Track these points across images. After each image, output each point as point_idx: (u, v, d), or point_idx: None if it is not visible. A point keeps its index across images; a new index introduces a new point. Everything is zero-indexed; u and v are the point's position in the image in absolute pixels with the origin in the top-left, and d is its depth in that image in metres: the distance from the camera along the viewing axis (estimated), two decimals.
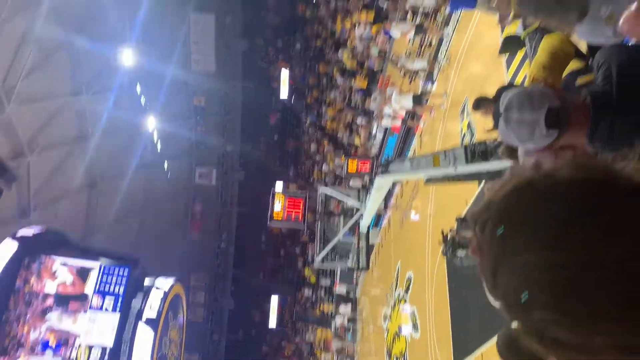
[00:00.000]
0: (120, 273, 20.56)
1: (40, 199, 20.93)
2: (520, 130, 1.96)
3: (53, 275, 20.71)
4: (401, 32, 15.21)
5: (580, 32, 3.03)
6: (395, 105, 15.50)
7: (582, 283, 0.66)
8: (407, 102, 15.03)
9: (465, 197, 10.41)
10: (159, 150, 30.57)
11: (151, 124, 28.63)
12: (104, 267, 20.65)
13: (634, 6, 2.37)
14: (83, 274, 20.77)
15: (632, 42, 3.59)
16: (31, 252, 20.53)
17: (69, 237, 21.55)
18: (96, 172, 25.01)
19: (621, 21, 2.46)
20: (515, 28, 8.49)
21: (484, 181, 8.50)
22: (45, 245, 20.79)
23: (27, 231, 20.39)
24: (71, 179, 23.33)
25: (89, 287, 20.54)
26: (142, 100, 27.81)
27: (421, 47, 15.24)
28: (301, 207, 12.91)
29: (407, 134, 16.92)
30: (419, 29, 14.34)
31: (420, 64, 14.96)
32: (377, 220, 20.13)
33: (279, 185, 29.85)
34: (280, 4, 33.02)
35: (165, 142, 30.76)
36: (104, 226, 25.36)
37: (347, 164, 12.42)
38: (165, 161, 31.73)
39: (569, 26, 3.00)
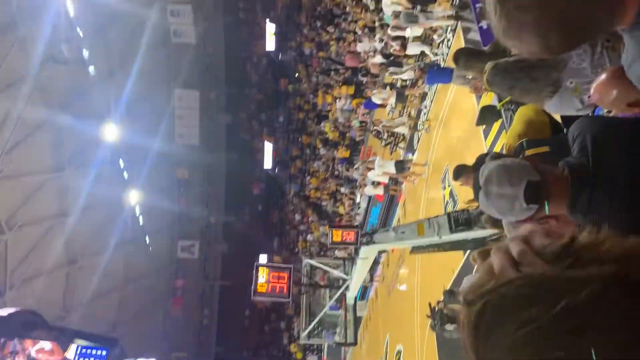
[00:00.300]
0: (98, 354, 19.65)
1: (17, 277, 20.29)
2: (500, 204, 1.94)
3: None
4: (382, 100, 15.59)
5: (550, 105, 3.09)
6: (378, 170, 15.66)
7: None
8: (390, 168, 15.20)
9: (452, 266, 10.31)
10: (141, 224, 30.20)
11: (133, 198, 28.46)
12: (81, 349, 19.75)
13: (603, 76, 2.43)
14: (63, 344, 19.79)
15: (603, 112, 3.69)
16: (5, 333, 19.62)
17: (44, 317, 20.72)
18: (76, 248, 24.50)
19: (592, 90, 2.52)
20: (491, 98, 8.76)
21: (469, 250, 8.45)
22: (20, 327, 19.91)
23: (2, 312, 19.57)
24: (50, 256, 22.77)
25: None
26: (125, 174, 27.79)
27: (401, 113, 15.61)
28: (286, 280, 12.62)
29: (391, 202, 16.99)
30: (400, 96, 14.74)
31: (401, 128, 15.21)
32: (364, 292, 19.80)
33: (262, 258, 29.45)
34: (264, 80, 34.03)
35: (147, 216, 30.46)
36: (82, 304, 24.52)
37: (332, 234, 12.31)
38: (147, 235, 31.27)
39: (542, 102, 3.08)
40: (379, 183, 16.81)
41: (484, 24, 8.11)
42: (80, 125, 22.34)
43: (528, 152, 4.47)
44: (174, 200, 33.19)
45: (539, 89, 2.90)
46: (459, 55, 5.04)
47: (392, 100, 14.90)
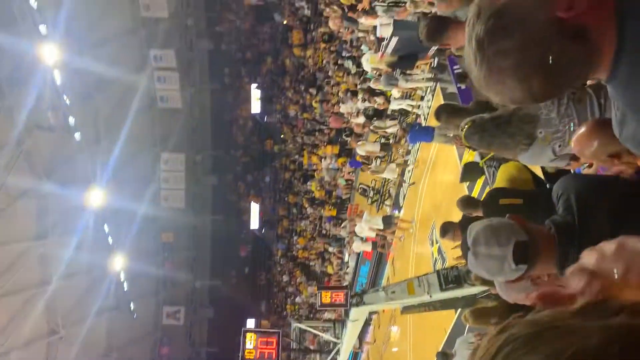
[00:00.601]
0: None
1: None
2: (489, 264, 1.95)
3: None
4: (366, 152, 15.76)
5: (525, 157, 3.20)
6: (366, 226, 15.63)
7: None
8: (378, 224, 15.20)
9: (444, 325, 10.14)
10: (125, 290, 29.47)
11: (118, 263, 27.92)
12: None
13: (583, 127, 2.50)
14: None
15: (584, 170, 3.77)
16: None
17: None
18: (57, 317, 23.73)
19: (572, 142, 2.58)
20: (473, 155, 8.93)
21: (460, 309, 8.34)
22: None
23: None
24: (30, 326, 21.98)
25: None
26: (110, 239, 27.38)
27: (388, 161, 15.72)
28: (275, 345, 12.25)
29: (380, 260, 16.87)
30: (385, 147, 14.94)
31: (389, 173, 15.21)
32: (355, 358, 19.28)
33: (250, 322, 28.68)
34: (250, 141, 34.41)
35: (132, 282, 29.79)
36: None
37: (321, 295, 12.09)
38: (131, 302, 30.45)
39: (518, 154, 3.19)
40: (366, 239, 16.75)
41: (462, 85, 8.39)
42: (65, 191, 22.20)
43: (502, 201, 4.54)
44: (159, 264, 32.60)
45: (515, 144, 3.00)
46: (440, 112, 5.18)
47: (377, 148, 15.01)
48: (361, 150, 15.19)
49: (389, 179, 15.98)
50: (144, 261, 30.02)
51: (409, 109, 13.45)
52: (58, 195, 22.12)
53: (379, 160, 15.87)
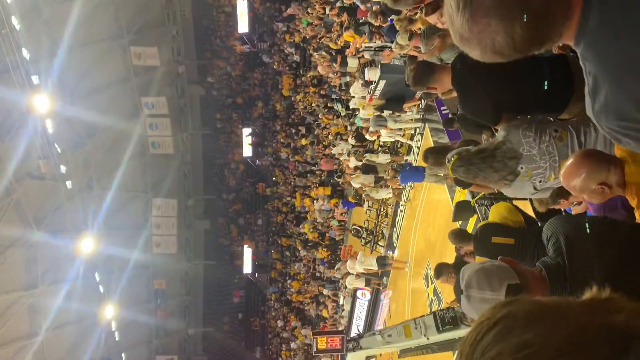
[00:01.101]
0: None
1: None
2: (482, 308, 1.95)
3: None
4: (360, 184, 15.78)
5: (506, 190, 3.31)
6: (360, 267, 15.54)
7: None
8: (372, 264, 15.12)
9: None
10: (117, 340, 28.76)
11: (109, 312, 27.34)
12: None
13: (571, 158, 2.54)
14: None
15: (573, 209, 3.81)
16: None
17: None
18: None
19: (560, 173, 2.62)
20: (464, 194, 8.98)
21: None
22: None
23: None
24: None
25: None
26: (101, 288, 26.92)
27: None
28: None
29: (375, 303, 16.68)
30: (379, 179, 14.98)
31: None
32: None
33: None
34: (241, 185, 34.41)
35: (123, 331, 29.11)
36: None
37: (316, 341, 11.82)
38: (123, 352, 29.68)
39: (502, 187, 3.27)
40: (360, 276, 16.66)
41: (450, 128, 8.55)
42: (55, 240, 21.95)
43: (495, 240, 4.56)
44: (151, 312, 31.96)
45: (500, 178, 3.10)
46: (427, 155, 5.27)
47: (371, 179, 15.01)
48: (355, 182, 15.19)
49: (382, 222, 16.00)
50: (135, 309, 29.43)
51: (402, 140, 13.60)
52: (48, 244, 21.87)
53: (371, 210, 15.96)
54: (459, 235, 5.57)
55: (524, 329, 0.69)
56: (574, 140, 3.05)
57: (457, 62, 3.58)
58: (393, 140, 14.04)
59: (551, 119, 3.26)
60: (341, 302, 20.89)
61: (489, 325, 0.72)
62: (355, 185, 15.62)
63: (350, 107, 15.86)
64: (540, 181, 3.12)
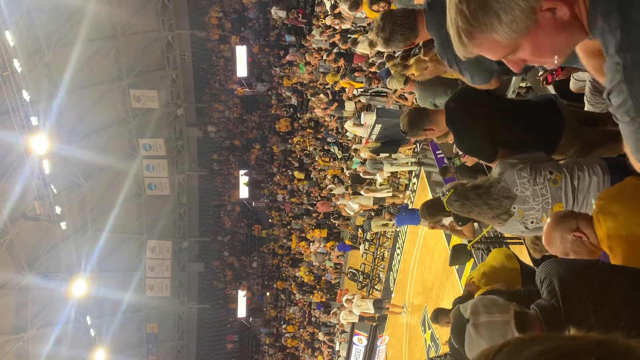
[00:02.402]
0: None
1: None
2: (492, 332, 1.94)
3: None
4: (358, 205, 15.67)
5: (500, 228, 3.39)
6: (356, 310, 15.35)
7: None
8: (369, 307, 14.95)
9: None
10: None
11: (99, 357, 26.64)
12: None
13: (546, 224, 2.63)
14: None
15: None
16: None
17: None
18: None
19: (543, 241, 2.69)
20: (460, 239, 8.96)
21: None
22: None
23: None
24: None
25: None
26: (92, 332, 26.33)
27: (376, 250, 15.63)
28: None
29: (372, 349, 16.36)
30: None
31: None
32: None
33: None
34: (237, 227, 34.25)
35: None
36: None
37: None
38: None
39: (495, 224, 3.34)
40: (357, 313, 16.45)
41: (445, 176, 8.65)
42: (46, 282, 21.63)
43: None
44: (142, 357, 31.18)
45: (495, 215, 3.15)
46: (422, 210, 5.32)
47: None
48: (354, 203, 15.09)
49: (379, 265, 15.89)
50: (126, 354, 28.73)
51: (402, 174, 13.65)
52: (39, 286, 21.53)
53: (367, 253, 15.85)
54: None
55: (534, 343, 0.72)
56: (567, 184, 3.09)
57: (450, 101, 3.66)
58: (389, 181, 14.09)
59: (546, 158, 3.32)
60: (337, 348, 20.47)
61: (494, 350, 0.74)
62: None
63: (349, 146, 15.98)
64: (532, 222, 3.15)
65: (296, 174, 23.81)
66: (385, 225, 14.67)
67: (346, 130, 15.68)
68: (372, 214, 15.33)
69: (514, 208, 3.10)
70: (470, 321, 1.96)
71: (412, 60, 3.67)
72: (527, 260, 4.85)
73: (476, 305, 1.99)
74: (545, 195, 3.09)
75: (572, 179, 3.09)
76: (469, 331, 1.98)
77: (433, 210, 5.07)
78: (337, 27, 13.67)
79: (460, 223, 5.22)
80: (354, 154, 15.08)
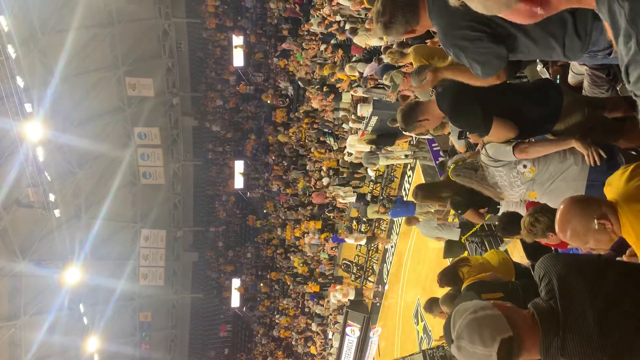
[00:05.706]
0: None
1: None
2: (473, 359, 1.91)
3: None
4: (354, 239, 15.82)
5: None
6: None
7: None
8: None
9: None
10: None
11: (92, 344, 26.67)
12: None
13: (558, 211, 2.46)
14: None
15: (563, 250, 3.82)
16: None
17: None
18: None
19: (556, 225, 2.55)
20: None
21: None
22: None
23: None
24: None
25: None
26: (85, 319, 26.33)
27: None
28: None
29: (364, 340, 16.45)
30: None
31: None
32: None
33: None
34: (231, 217, 34.23)
35: None
36: None
37: None
38: None
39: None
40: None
41: (441, 171, 8.66)
42: (40, 270, 21.58)
43: (484, 297, 4.54)
44: (135, 345, 31.25)
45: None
46: (417, 191, 5.36)
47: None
48: (349, 239, 15.21)
49: (372, 257, 15.93)
50: (119, 342, 28.77)
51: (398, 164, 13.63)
52: (33, 273, 21.48)
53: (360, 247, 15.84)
54: (449, 278, 5.46)
55: None
56: (541, 175, 3.55)
57: (439, 87, 3.87)
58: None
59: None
60: (330, 338, 20.57)
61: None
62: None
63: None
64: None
65: (299, 184, 23.70)
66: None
67: (342, 122, 15.65)
68: (369, 199, 15.26)
69: (499, 190, 3.75)
70: (454, 342, 1.94)
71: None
72: (521, 255, 4.89)
73: (462, 330, 1.92)
74: (521, 187, 3.64)
75: (546, 169, 3.54)
76: (453, 348, 1.96)
77: (427, 192, 5.12)
78: (334, 18, 13.60)
79: (460, 212, 5.24)
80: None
